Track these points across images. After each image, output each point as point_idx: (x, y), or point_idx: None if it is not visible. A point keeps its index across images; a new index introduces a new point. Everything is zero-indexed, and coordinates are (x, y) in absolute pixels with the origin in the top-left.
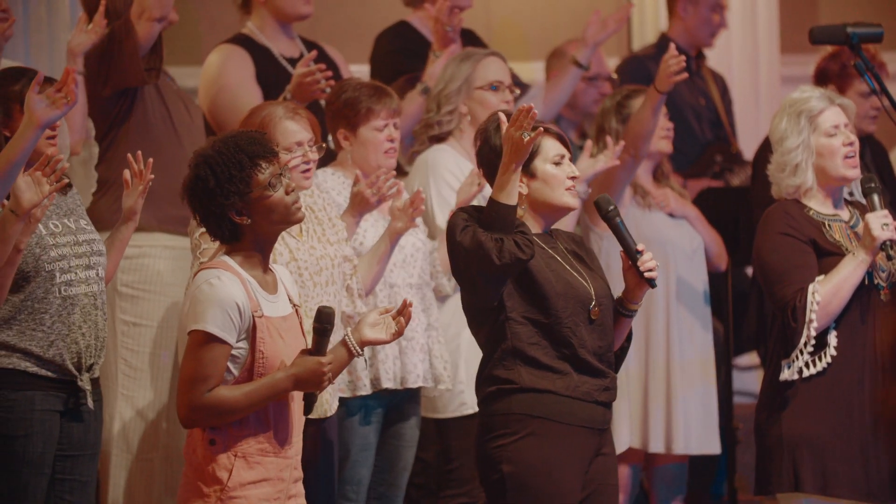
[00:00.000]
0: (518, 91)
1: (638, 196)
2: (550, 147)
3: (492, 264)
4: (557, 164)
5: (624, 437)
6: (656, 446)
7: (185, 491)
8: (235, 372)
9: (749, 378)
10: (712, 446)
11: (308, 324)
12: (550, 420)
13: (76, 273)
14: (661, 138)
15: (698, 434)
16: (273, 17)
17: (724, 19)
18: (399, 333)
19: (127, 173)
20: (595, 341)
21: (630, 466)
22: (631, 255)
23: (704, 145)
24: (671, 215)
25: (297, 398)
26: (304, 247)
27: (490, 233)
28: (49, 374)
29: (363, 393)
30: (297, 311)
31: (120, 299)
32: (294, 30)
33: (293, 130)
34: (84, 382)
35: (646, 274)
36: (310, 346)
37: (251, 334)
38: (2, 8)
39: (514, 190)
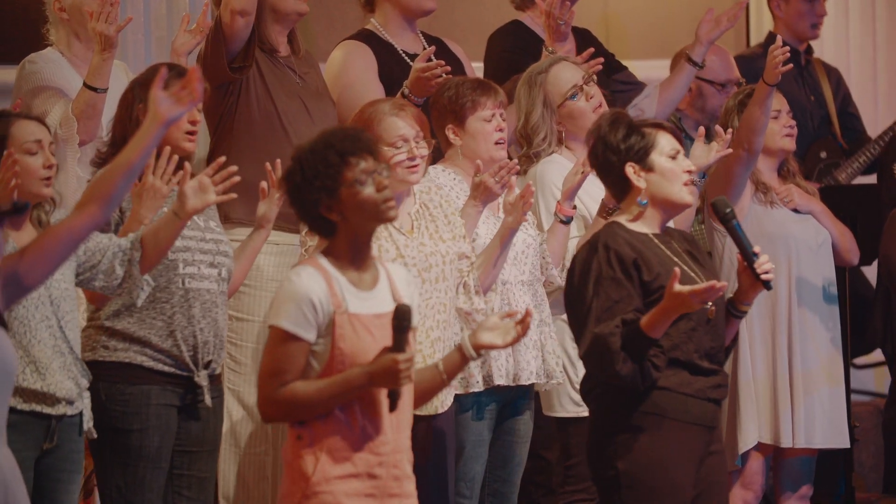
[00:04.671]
0: (594, 77)
1: (759, 193)
2: (666, 142)
3: (637, 388)
4: (673, 157)
5: (752, 433)
6: (785, 441)
7: (281, 489)
8: (317, 367)
9: (867, 376)
10: (838, 441)
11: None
12: (665, 417)
13: (199, 268)
14: (784, 136)
15: (823, 428)
16: (397, 12)
17: (822, 7)
18: (516, 341)
19: (264, 183)
20: (708, 342)
21: (762, 461)
22: (747, 257)
23: (810, 142)
24: (796, 211)
25: (385, 394)
26: (414, 244)
27: (629, 353)
28: (165, 368)
29: (476, 390)
30: None
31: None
32: (417, 26)
33: (397, 126)
34: (201, 378)
35: (762, 276)
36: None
37: (331, 330)
38: (115, 3)
39: (664, 329)
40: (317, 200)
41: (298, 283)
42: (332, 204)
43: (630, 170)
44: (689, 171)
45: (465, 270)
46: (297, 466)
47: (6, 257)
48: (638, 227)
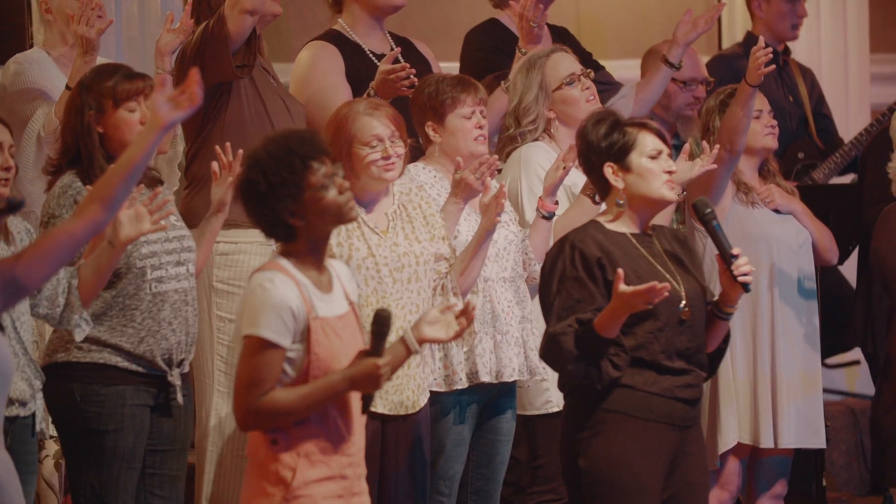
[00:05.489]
0: (591, 73)
1: (741, 193)
2: (648, 142)
3: (594, 387)
4: (654, 157)
5: (731, 433)
6: (765, 441)
7: (248, 491)
8: (292, 373)
9: (837, 376)
10: (815, 441)
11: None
12: (628, 415)
13: (167, 269)
14: (766, 135)
15: (800, 428)
16: (365, 12)
17: (803, 8)
18: (459, 334)
19: (215, 165)
20: (683, 342)
21: (738, 461)
22: (726, 258)
23: (788, 143)
24: (777, 211)
25: (357, 396)
26: (387, 243)
27: (582, 352)
28: (139, 369)
29: (459, 387)
30: (353, 307)
31: (216, 295)
32: (385, 26)
33: (371, 125)
34: (174, 378)
35: (740, 278)
36: (367, 347)
37: (306, 336)
38: (96, 6)
39: (616, 329)
40: (282, 207)
41: (274, 291)
42: (296, 209)
43: (608, 170)
44: (670, 172)
45: (443, 272)
46: (275, 471)
47: (3, 260)
48: (616, 226)
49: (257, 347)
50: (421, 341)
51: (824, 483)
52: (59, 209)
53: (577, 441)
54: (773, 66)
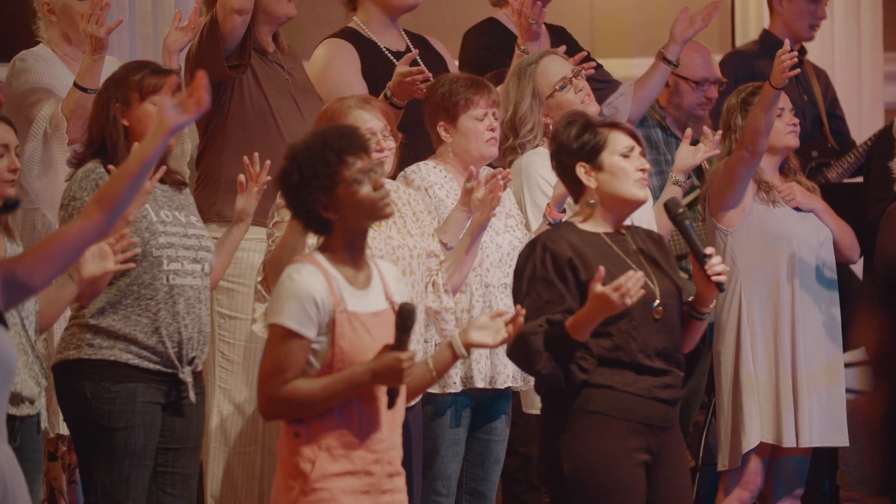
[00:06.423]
0: (583, 70)
1: (762, 192)
2: (619, 140)
3: (561, 389)
4: (626, 156)
5: (755, 432)
6: (788, 441)
7: (275, 486)
8: (316, 365)
9: (849, 374)
10: (837, 439)
11: None
12: (607, 416)
13: (183, 264)
14: (788, 133)
15: (823, 426)
16: (381, 10)
17: (823, 10)
18: (506, 340)
19: (242, 176)
20: (661, 341)
21: (760, 460)
22: (699, 258)
23: (802, 141)
24: (798, 209)
25: (383, 391)
26: (380, 236)
27: (552, 353)
28: (151, 365)
29: (453, 391)
30: (393, 308)
31: (217, 292)
32: (399, 23)
33: (364, 119)
34: (185, 375)
35: (713, 278)
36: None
37: (331, 329)
38: (105, 5)
39: (589, 332)
40: (315, 200)
41: (300, 280)
42: (330, 203)
43: (581, 170)
44: (643, 170)
45: (434, 269)
46: (295, 463)
47: (6, 259)
48: (590, 226)
49: (280, 336)
50: (468, 346)
51: (837, 482)
52: (80, 192)
53: (559, 444)
54: (799, 70)
